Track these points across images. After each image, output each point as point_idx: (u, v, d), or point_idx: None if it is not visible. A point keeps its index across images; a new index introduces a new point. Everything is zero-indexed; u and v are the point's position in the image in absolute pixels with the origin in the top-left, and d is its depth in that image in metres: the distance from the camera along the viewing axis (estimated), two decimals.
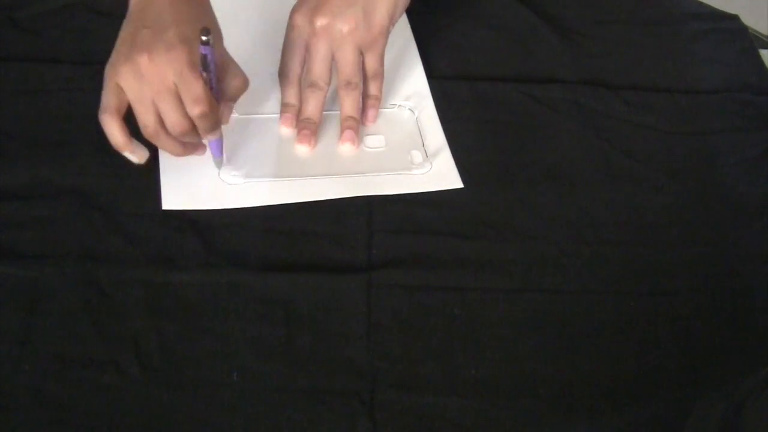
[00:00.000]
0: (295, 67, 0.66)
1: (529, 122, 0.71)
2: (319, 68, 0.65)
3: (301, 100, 0.67)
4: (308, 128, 0.66)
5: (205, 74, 0.57)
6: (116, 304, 0.56)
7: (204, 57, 0.57)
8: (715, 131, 0.73)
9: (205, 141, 0.61)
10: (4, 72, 0.68)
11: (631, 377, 0.57)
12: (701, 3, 0.86)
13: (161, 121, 0.58)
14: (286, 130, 0.67)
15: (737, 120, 0.74)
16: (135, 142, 0.60)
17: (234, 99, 0.62)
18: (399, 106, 0.70)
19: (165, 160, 0.64)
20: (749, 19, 0.86)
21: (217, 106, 0.59)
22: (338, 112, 0.68)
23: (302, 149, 0.66)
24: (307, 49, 0.65)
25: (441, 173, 0.66)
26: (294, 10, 0.65)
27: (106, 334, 0.55)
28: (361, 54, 0.65)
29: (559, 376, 0.56)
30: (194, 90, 0.56)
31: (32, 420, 0.51)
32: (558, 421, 0.55)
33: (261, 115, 0.68)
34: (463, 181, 0.66)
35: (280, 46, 0.68)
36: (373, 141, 0.68)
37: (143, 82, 0.56)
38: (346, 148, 0.66)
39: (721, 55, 0.81)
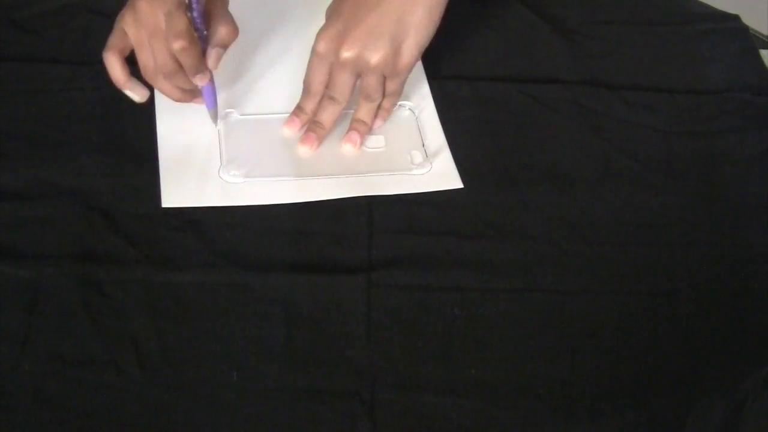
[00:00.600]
0: (317, 86, 0.65)
1: (529, 122, 0.71)
2: (341, 89, 0.65)
3: (316, 109, 0.66)
4: (316, 132, 0.66)
5: (189, 14, 0.59)
6: (116, 304, 0.56)
7: (189, 2, 0.59)
8: (715, 131, 0.73)
9: (198, 83, 0.63)
10: (4, 72, 0.68)
11: (631, 377, 0.57)
12: (702, 3, 0.86)
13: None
14: (288, 132, 0.67)
15: (737, 120, 0.74)
16: (134, 80, 0.63)
17: (222, 46, 0.63)
18: (399, 106, 0.70)
19: (165, 158, 0.64)
20: (750, 20, 0.86)
21: (199, 44, 0.61)
22: (346, 112, 0.68)
23: (303, 150, 0.66)
24: (331, 74, 0.64)
25: (441, 173, 0.66)
26: (319, 36, 0.63)
27: (106, 334, 0.55)
28: (384, 77, 0.65)
29: (559, 376, 0.56)
30: (176, 26, 0.59)
31: (32, 420, 0.51)
32: (558, 421, 0.55)
33: (262, 114, 0.68)
34: (463, 181, 0.66)
35: (283, 48, 0.68)
36: (373, 141, 0.68)
37: (141, 24, 0.59)
38: (347, 148, 0.66)
39: (722, 55, 0.81)
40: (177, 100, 0.64)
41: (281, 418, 0.53)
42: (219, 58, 0.63)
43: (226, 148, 0.65)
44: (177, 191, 0.62)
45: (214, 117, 0.66)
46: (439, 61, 0.74)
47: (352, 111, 0.68)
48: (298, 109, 0.67)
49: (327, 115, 0.66)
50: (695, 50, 0.81)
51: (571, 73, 0.76)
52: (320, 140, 0.66)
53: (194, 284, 0.58)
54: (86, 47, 0.71)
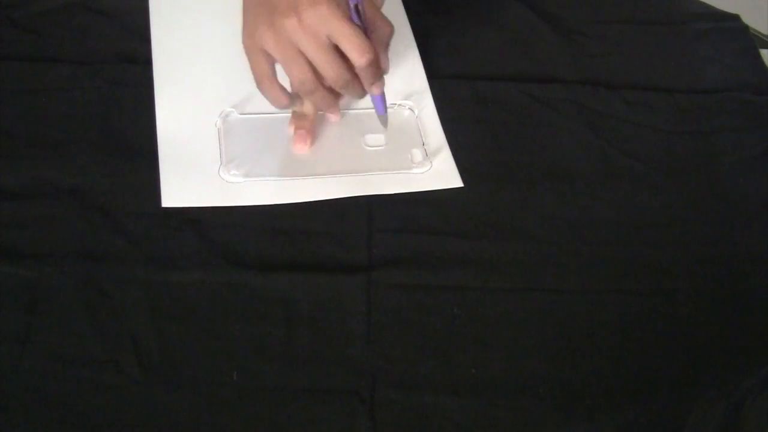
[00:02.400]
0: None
1: (529, 122, 0.71)
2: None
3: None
4: (304, 127, 0.66)
5: (359, 23, 0.58)
6: (116, 304, 0.56)
7: (356, 7, 0.58)
8: (715, 131, 0.73)
9: (374, 92, 0.62)
10: (4, 72, 0.68)
11: (631, 377, 0.57)
12: (702, 3, 0.86)
13: (318, 76, 0.59)
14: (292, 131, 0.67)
15: (737, 120, 0.74)
16: (297, 96, 0.62)
17: (385, 47, 0.61)
18: (399, 105, 0.70)
19: (165, 157, 0.64)
20: (750, 19, 0.86)
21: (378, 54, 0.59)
22: (345, 112, 0.68)
23: (300, 149, 0.66)
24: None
25: (441, 172, 0.66)
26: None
27: (106, 334, 0.55)
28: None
29: (559, 376, 0.56)
30: (356, 40, 0.57)
31: (32, 420, 0.51)
32: (558, 421, 0.55)
33: (262, 114, 0.68)
34: (463, 180, 0.66)
35: None
36: (373, 140, 0.68)
37: (293, 42, 0.57)
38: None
39: (722, 55, 0.81)
40: (329, 110, 0.64)
41: (281, 418, 0.53)
42: (388, 61, 0.62)
43: (226, 148, 0.65)
44: (177, 191, 0.62)
45: (385, 122, 0.66)
46: (439, 60, 0.74)
47: (352, 110, 0.68)
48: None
49: (306, 105, 0.66)
50: (695, 50, 0.81)
51: (571, 73, 0.76)
52: (311, 134, 0.66)
53: (194, 284, 0.58)
54: (86, 47, 0.71)
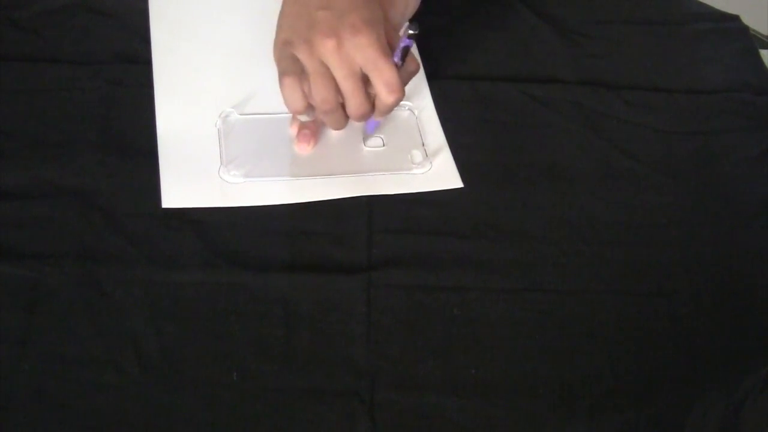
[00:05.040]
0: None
1: (529, 122, 0.71)
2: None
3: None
4: (308, 127, 0.66)
5: (398, 62, 0.58)
6: (116, 304, 0.56)
7: (405, 49, 0.58)
8: (715, 131, 0.73)
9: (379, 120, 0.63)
10: (4, 72, 0.68)
11: (631, 377, 0.57)
12: (702, 3, 0.86)
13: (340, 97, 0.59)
14: (293, 131, 0.67)
15: (737, 120, 0.74)
16: (310, 105, 0.61)
17: (406, 83, 0.61)
18: (399, 106, 0.70)
19: (165, 158, 0.64)
20: (750, 20, 0.86)
21: None
22: None
23: (301, 150, 0.66)
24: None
25: (441, 173, 0.66)
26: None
27: (106, 334, 0.55)
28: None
29: (559, 376, 0.56)
30: (389, 78, 0.57)
31: (32, 420, 0.51)
32: (558, 421, 0.55)
33: (262, 114, 0.68)
34: (463, 180, 0.66)
35: None
36: (373, 141, 0.68)
37: (326, 62, 0.57)
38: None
39: (722, 55, 0.81)
40: (337, 129, 0.64)
41: (281, 418, 0.53)
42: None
43: (226, 148, 0.65)
44: (177, 191, 0.62)
45: (366, 139, 0.67)
46: (439, 61, 0.74)
47: None
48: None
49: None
50: (695, 50, 0.81)
51: (571, 73, 0.76)
52: (315, 135, 0.66)
53: (194, 284, 0.58)
54: (86, 47, 0.71)
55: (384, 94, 0.58)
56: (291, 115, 0.67)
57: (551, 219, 0.65)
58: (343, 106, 0.61)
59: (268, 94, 0.70)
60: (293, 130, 0.66)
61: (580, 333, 0.59)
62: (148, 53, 0.71)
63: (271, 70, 0.70)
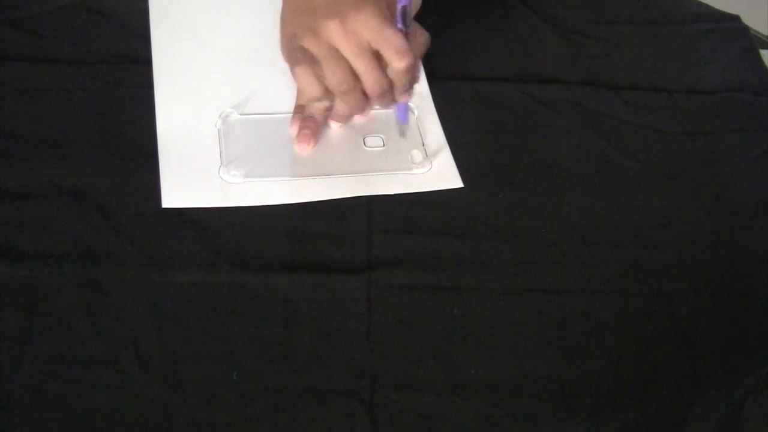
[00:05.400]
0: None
1: (529, 122, 0.71)
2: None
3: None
4: (309, 128, 0.66)
5: (402, 27, 0.58)
6: (116, 304, 0.56)
7: (404, 9, 0.57)
8: (716, 131, 0.73)
9: (404, 100, 0.62)
10: (4, 72, 0.68)
11: (631, 377, 0.57)
12: (702, 3, 0.86)
13: (357, 77, 0.58)
14: (293, 131, 0.67)
15: (737, 120, 0.74)
16: (328, 92, 0.60)
17: (420, 57, 0.61)
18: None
19: (165, 158, 0.64)
20: (750, 20, 0.86)
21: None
22: None
23: (301, 149, 0.66)
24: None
25: (441, 173, 0.66)
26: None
27: (106, 334, 0.55)
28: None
29: (559, 376, 0.56)
30: (397, 43, 0.56)
31: (32, 420, 0.51)
32: (558, 421, 0.55)
33: (262, 114, 0.68)
34: (463, 180, 0.66)
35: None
36: (373, 140, 0.68)
37: (335, 44, 0.57)
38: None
39: (722, 56, 0.81)
40: (359, 113, 0.63)
41: (281, 418, 0.53)
42: (421, 71, 0.61)
43: (226, 148, 0.65)
44: (177, 191, 0.62)
45: (404, 132, 0.67)
46: (439, 61, 0.74)
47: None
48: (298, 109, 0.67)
49: (318, 106, 0.65)
50: (695, 50, 0.81)
51: (571, 73, 0.76)
52: (315, 135, 0.66)
53: (194, 284, 0.58)
54: (86, 47, 0.71)
55: (395, 61, 0.57)
56: (291, 115, 0.67)
57: (551, 219, 0.65)
58: (361, 89, 0.60)
59: (268, 94, 0.70)
60: (293, 130, 0.66)
61: (580, 333, 0.59)
62: (148, 53, 0.71)
63: (272, 70, 0.70)
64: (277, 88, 0.70)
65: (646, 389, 0.57)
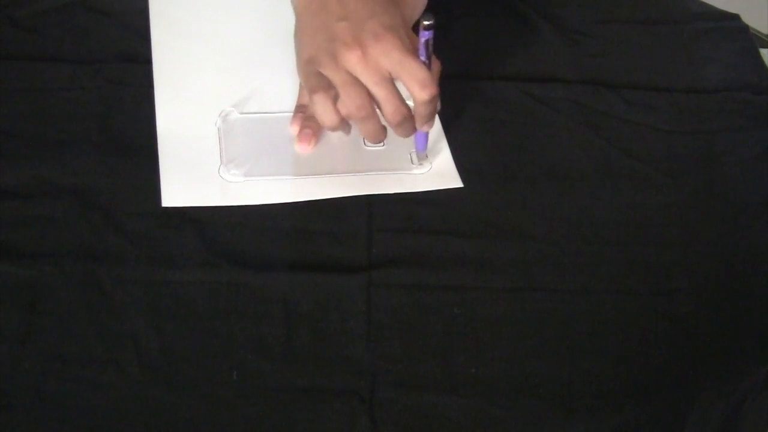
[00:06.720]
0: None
1: (529, 122, 0.71)
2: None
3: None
4: (310, 127, 0.66)
5: (425, 60, 0.58)
6: (116, 304, 0.56)
7: (427, 42, 0.57)
8: (716, 131, 0.73)
9: (425, 130, 0.62)
10: (4, 71, 0.68)
11: (631, 377, 0.57)
12: (702, 2, 0.86)
13: (374, 104, 0.58)
14: (294, 130, 0.67)
15: (737, 119, 0.74)
16: (345, 120, 0.60)
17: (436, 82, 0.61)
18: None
19: (165, 157, 0.64)
20: (750, 19, 0.86)
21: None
22: None
23: (301, 148, 0.66)
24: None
25: (441, 172, 0.66)
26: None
27: (106, 334, 0.55)
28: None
29: (559, 376, 0.56)
30: (420, 76, 0.57)
31: (32, 420, 0.51)
32: (558, 420, 0.55)
33: (262, 113, 0.68)
34: (463, 180, 0.66)
35: (283, 46, 0.67)
36: None
37: (355, 72, 0.56)
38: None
39: (722, 55, 0.81)
40: (377, 141, 0.63)
41: (281, 418, 0.53)
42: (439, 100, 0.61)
43: (226, 147, 0.65)
44: (177, 190, 0.62)
45: (422, 159, 0.66)
46: (439, 60, 0.74)
47: None
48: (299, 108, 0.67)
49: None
50: (695, 49, 0.81)
51: (571, 73, 0.76)
52: (316, 135, 0.66)
53: (194, 284, 0.58)
54: (86, 46, 0.71)
55: (417, 91, 0.57)
56: (291, 114, 0.67)
57: (551, 219, 0.65)
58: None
59: (268, 93, 0.70)
60: (294, 130, 0.66)
61: (581, 332, 0.59)
62: (148, 52, 0.71)
63: (272, 69, 0.70)
64: (277, 87, 0.70)
65: (646, 389, 0.56)
